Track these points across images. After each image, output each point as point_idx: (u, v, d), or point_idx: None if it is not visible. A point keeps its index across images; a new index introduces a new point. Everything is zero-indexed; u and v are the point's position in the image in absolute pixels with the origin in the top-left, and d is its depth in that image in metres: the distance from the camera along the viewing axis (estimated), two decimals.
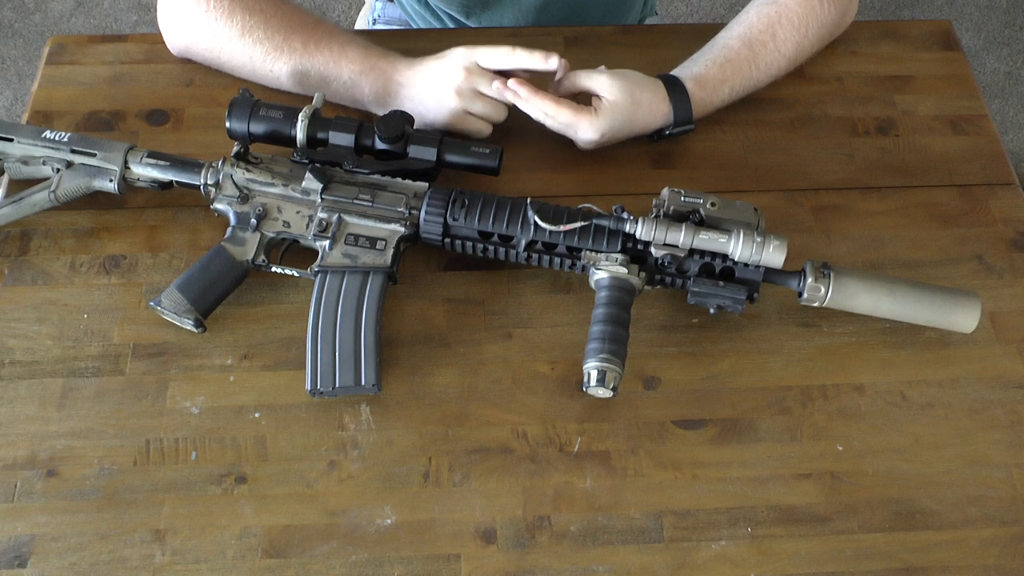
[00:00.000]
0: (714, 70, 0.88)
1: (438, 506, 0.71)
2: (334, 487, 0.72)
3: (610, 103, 0.83)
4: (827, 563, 0.69)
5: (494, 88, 0.84)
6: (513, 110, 0.86)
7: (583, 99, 0.85)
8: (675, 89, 0.86)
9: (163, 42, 0.94)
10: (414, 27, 1.19)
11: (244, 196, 0.80)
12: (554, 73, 0.84)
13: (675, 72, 0.88)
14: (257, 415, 0.75)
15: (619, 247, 0.76)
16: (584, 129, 0.84)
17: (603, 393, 0.72)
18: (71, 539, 0.69)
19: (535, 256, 0.78)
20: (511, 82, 0.83)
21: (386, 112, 0.82)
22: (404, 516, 0.71)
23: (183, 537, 0.69)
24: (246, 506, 0.71)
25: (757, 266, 0.75)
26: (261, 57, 0.87)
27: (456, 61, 0.84)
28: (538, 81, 0.85)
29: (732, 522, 0.71)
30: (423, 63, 0.86)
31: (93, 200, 0.85)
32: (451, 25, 1.13)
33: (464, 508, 0.71)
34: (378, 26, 1.23)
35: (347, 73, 0.86)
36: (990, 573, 0.69)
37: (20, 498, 0.71)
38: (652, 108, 0.86)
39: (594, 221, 0.76)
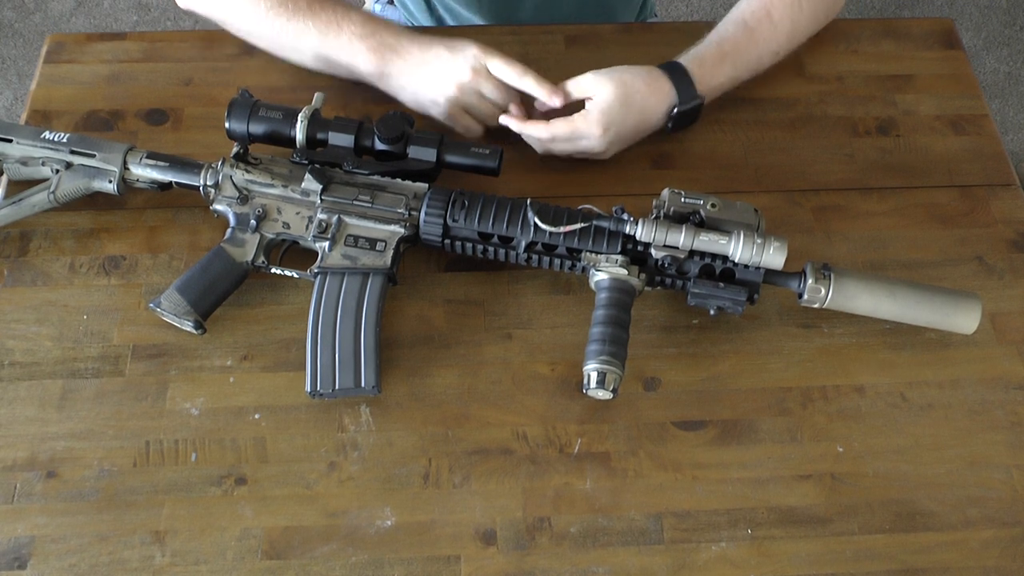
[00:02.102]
0: (711, 49, 0.88)
1: (438, 507, 0.71)
2: (334, 488, 0.72)
3: (602, 97, 0.82)
4: (827, 564, 0.69)
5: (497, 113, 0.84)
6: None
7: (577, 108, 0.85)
8: (674, 70, 0.86)
9: (163, 40, 0.93)
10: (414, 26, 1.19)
11: (244, 197, 0.80)
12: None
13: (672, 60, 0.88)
14: (257, 416, 0.75)
15: (619, 248, 0.76)
16: (587, 132, 0.83)
17: (603, 395, 0.72)
18: (71, 540, 0.69)
19: (535, 257, 0.78)
20: (503, 117, 0.84)
21: (380, 84, 0.81)
22: (404, 517, 0.71)
23: (183, 538, 0.69)
24: (246, 507, 0.71)
25: (757, 267, 0.75)
26: (264, 10, 0.87)
27: (467, 59, 0.84)
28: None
29: (732, 523, 0.71)
30: (432, 46, 0.85)
31: (93, 201, 0.85)
32: (451, 22, 1.13)
33: (464, 509, 0.71)
34: None
35: (347, 34, 0.86)
36: (990, 574, 0.69)
37: (20, 499, 0.71)
38: (651, 88, 0.84)
39: (594, 222, 0.76)
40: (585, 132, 0.83)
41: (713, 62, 0.87)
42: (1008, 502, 0.72)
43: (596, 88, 0.83)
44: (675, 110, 0.86)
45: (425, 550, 0.69)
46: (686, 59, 0.87)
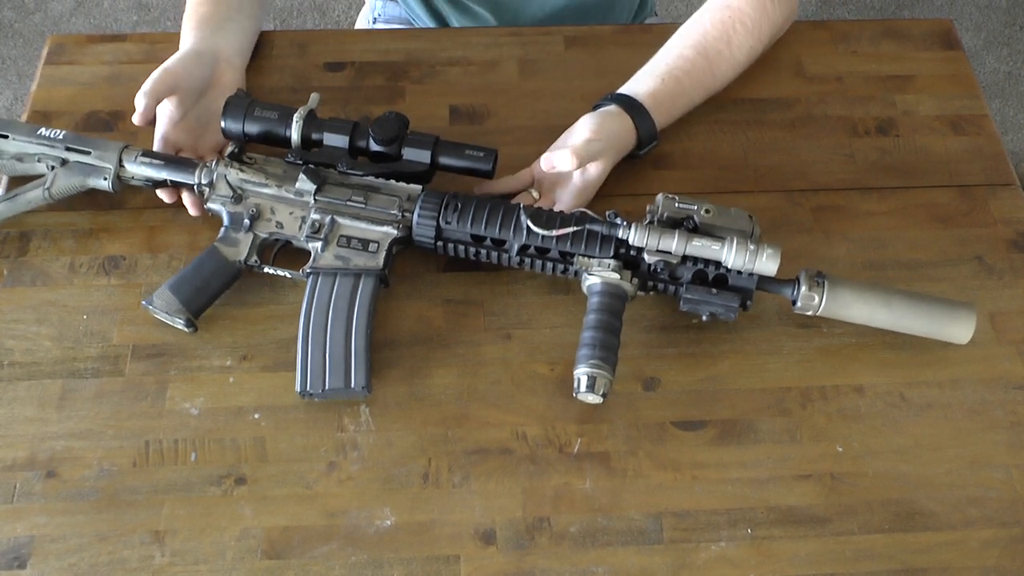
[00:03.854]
0: (671, 84, 0.87)
1: (438, 507, 0.71)
2: (334, 488, 0.72)
3: (606, 158, 0.82)
4: (827, 564, 0.69)
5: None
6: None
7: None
8: (635, 109, 0.85)
9: (163, 41, 0.93)
10: (417, 26, 1.19)
11: (238, 196, 0.80)
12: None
13: (632, 89, 0.87)
14: (256, 416, 0.75)
15: (612, 252, 0.76)
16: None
17: (592, 399, 0.72)
18: (70, 540, 0.69)
19: (527, 260, 0.78)
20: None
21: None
22: (404, 517, 0.71)
23: (182, 538, 0.69)
24: (245, 507, 0.71)
25: (751, 274, 0.75)
26: None
27: None
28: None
29: (732, 523, 0.71)
30: None
31: (92, 201, 0.85)
32: (455, 22, 1.13)
33: (464, 509, 0.71)
34: (378, 25, 1.23)
35: None
36: (990, 574, 0.69)
37: (19, 499, 0.71)
38: (624, 138, 0.84)
39: (587, 226, 0.76)
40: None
41: (672, 100, 0.87)
42: (1008, 502, 0.72)
43: (601, 155, 0.82)
44: (639, 152, 0.86)
45: (425, 550, 0.69)
46: (646, 95, 0.85)
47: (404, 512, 0.71)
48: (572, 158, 0.77)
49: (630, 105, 0.85)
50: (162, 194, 0.84)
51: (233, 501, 0.71)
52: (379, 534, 0.70)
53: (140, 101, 0.80)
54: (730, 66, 0.90)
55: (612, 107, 0.85)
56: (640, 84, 0.87)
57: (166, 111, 0.83)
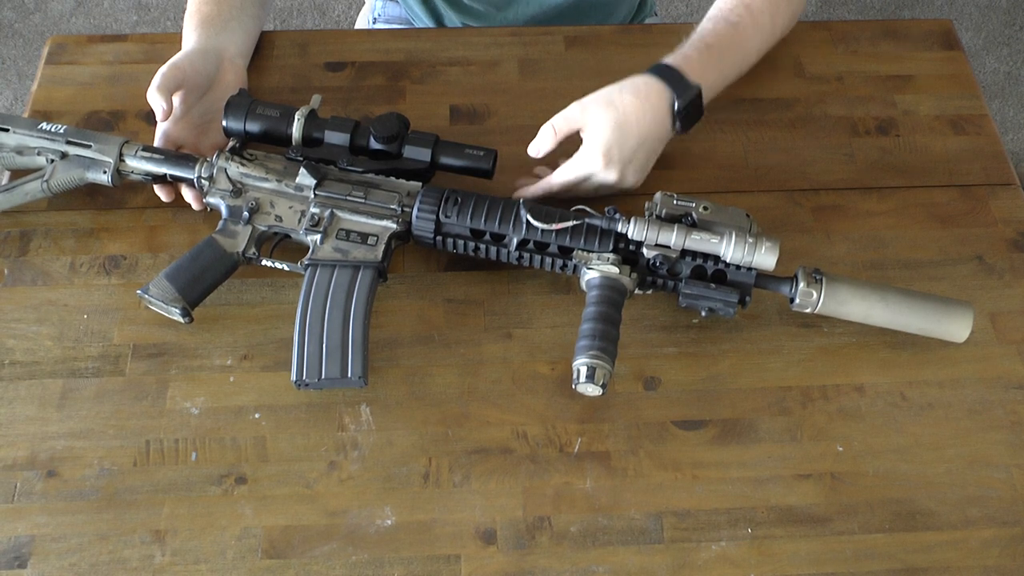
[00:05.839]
0: (696, 46, 0.85)
1: (438, 507, 0.71)
2: (334, 488, 0.72)
3: (592, 125, 0.79)
4: (827, 564, 0.69)
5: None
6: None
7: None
8: (661, 70, 0.82)
9: (163, 41, 0.93)
10: (417, 26, 1.19)
11: (237, 190, 0.80)
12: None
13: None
14: (257, 416, 0.75)
15: (611, 247, 0.76)
16: (591, 167, 0.79)
17: (592, 390, 0.72)
18: (71, 540, 0.69)
19: (526, 256, 0.78)
20: (516, 193, 0.83)
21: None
22: (404, 517, 0.71)
23: (183, 538, 0.69)
24: (246, 507, 0.71)
25: (749, 268, 0.75)
26: None
27: None
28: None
29: (732, 523, 0.71)
30: None
31: (93, 200, 0.85)
32: (447, 23, 1.13)
33: (464, 509, 0.71)
34: (378, 25, 1.23)
35: None
36: (990, 574, 0.69)
37: (20, 499, 0.71)
38: (642, 97, 0.79)
39: (586, 221, 0.76)
40: (589, 168, 0.80)
41: (699, 57, 0.84)
42: (1008, 501, 0.72)
43: (584, 118, 0.79)
44: (676, 105, 0.81)
45: (425, 549, 0.69)
46: (671, 59, 0.84)
47: (405, 511, 0.71)
48: (549, 130, 0.77)
49: (656, 69, 0.82)
50: (160, 191, 0.84)
51: (233, 500, 0.71)
52: (379, 533, 0.70)
53: (155, 98, 0.79)
54: (756, 29, 0.88)
55: (635, 76, 0.82)
56: (665, 58, 0.84)
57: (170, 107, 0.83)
